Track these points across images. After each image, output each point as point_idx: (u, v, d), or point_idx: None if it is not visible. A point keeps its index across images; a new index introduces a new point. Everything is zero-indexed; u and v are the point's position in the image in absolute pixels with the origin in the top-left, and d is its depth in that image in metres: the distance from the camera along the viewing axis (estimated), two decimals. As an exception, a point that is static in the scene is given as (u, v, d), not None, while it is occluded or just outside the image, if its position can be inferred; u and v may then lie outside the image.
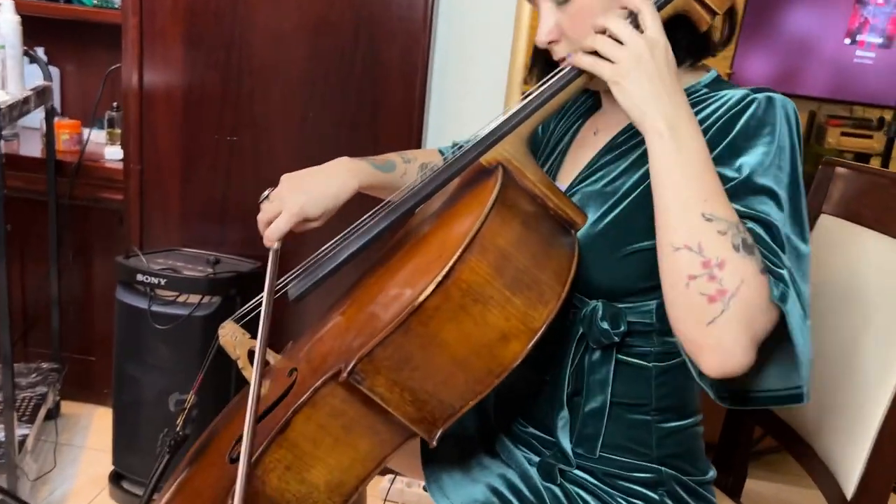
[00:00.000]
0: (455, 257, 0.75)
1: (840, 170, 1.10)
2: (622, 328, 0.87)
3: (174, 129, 1.87)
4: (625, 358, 0.90)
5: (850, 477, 0.95)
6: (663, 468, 0.92)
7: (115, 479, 1.85)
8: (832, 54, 2.90)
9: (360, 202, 1.03)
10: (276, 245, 0.99)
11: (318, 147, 1.82)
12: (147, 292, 1.69)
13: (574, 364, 0.92)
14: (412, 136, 1.78)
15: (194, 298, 1.69)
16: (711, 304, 0.73)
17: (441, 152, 1.17)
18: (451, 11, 1.80)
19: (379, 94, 1.78)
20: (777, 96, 0.83)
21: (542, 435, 0.97)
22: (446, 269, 0.75)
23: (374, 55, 1.76)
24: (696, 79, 0.90)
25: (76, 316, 2.18)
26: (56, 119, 2.06)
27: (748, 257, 0.73)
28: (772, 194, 0.78)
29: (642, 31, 0.77)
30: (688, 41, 0.86)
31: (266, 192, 1.02)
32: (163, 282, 1.67)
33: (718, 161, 0.80)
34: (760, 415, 1.17)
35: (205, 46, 1.81)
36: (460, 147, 0.90)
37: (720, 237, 0.73)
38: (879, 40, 2.91)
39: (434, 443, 0.82)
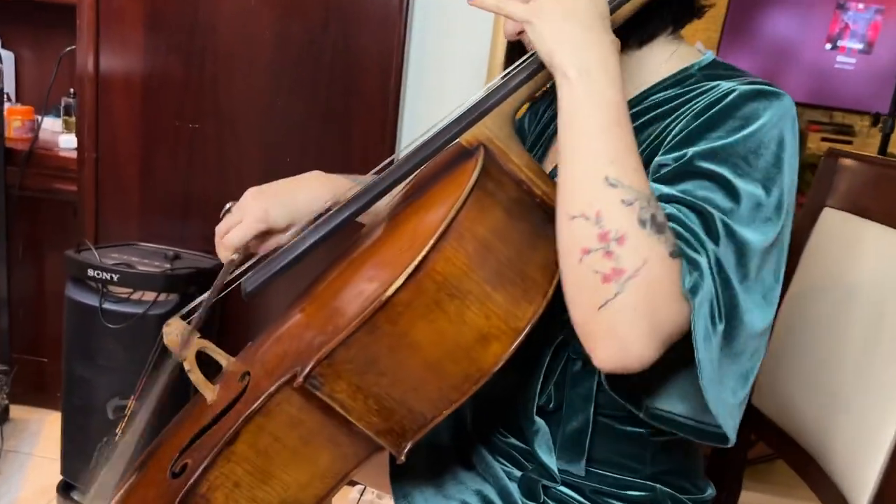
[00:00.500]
0: (429, 246, 0.66)
1: (846, 161, 1.02)
2: None
3: (132, 115, 1.77)
4: None
5: (861, 495, 0.87)
6: (658, 485, 0.84)
7: (64, 489, 1.74)
8: (813, 60, 2.88)
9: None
10: (232, 255, 0.90)
11: (287, 137, 1.74)
12: (99, 289, 1.59)
13: (552, 373, 0.83)
14: (387, 128, 1.70)
15: (150, 296, 1.59)
16: (605, 284, 0.63)
17: None
18: (429, -5, 1.72)
19: (351, 82, 1.69)
20: (772, 90, 0.72)
21: (523, 446, 0.88)
22: (418, 259, 0.66)
23: (347, 40, 1.67)
24: (689, 60, 0.81)
25: (27, 314, 2.08)
26: (7, 105, 1.94)
27: (655, 236, 0.63)
28: (722, 182, 0.68)
29: None
30: (676, 6, 0.79)
31: (228, 205, 0.94)
32: (115, 277, 1.57)
33: (669, 150, 0.71)
34: (757, 422, 1.09)
35: (165, 28, 1.71)
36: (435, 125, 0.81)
37: (624, 208, 0.63)
38: (860, 46, 2.89)
39: (403, 457, 0.73)
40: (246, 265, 0.90)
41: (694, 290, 0.63)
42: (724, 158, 0.68)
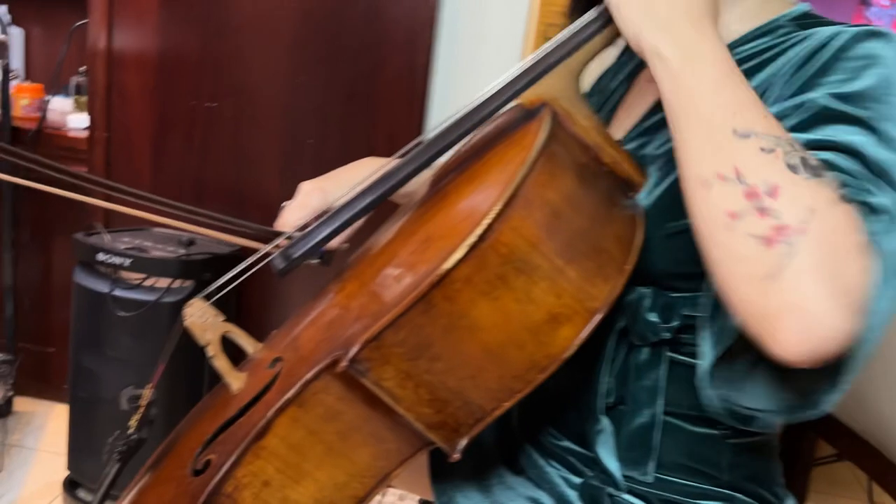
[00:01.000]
0: (494, 212, 0.58)
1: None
2: (675, 322, 0.70)
3: (146, 93, 1.71)
4: (681, 358, 0.72)
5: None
6: (737, 494, 0.75)
7: (70, 486, 1.68)
8: (836, 56, 2.81)
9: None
10: (289, 230, 0.84)
11: (309, 116, 1.67)
12: (109, 274, 1.52)
13: (613, 364, 0.75)
14: (415, 107, 1.63)
15: (163, 282, 1.52)
16: (770, 247, 0.52)
17: None
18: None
19: (378, 58, 1.62)
20: (884, 31, 0.65)
21: (580, 450, 0.79)
22: (482, 227, 0.57)
23: (374, 12, 1.60)
24: (779, 10, 0.74)
25: (33, 302, 2.01)
26: (16, 82, 1.87)
27: (814, 179, 0.53)
28: (867, 126, 0.59)
29: None
30: None
31: (283, 204, 0.91)
32: (127, 262, 1.49)
33: (778, 101, 0.64)
34: (825, 424, 1.00)
35: (182, 0, 1.64)
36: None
37: (766, 156, 0.54)
38: (884, 43, 2.81)
39: (457, 454, 0.65)
40: (274, 243, 0.83)
41: (880, 239, 0.53)
42: (859, 103, 0.60)
